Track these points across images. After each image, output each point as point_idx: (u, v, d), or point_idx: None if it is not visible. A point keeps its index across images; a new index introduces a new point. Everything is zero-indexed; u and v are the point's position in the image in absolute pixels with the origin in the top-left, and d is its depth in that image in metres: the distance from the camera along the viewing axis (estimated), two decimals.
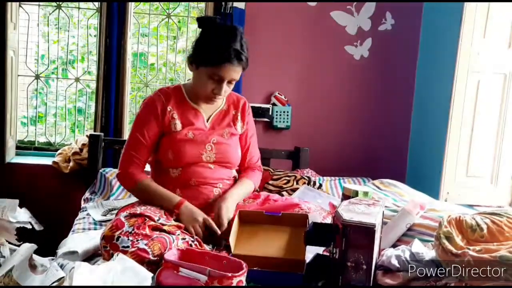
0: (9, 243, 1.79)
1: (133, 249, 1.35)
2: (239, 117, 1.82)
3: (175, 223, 1.54)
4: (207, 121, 1.77)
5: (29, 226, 2.12)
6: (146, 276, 1.22)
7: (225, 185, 1.74)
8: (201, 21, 1.69)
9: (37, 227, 2.34)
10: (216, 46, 1.60)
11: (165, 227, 1.47)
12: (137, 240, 1.38)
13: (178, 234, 1.48)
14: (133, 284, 1.18)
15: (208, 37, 1.63)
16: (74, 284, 1.11)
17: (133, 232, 1.40)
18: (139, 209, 1.52)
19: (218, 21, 1.69)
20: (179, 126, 1.71)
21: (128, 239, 1.37)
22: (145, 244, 1.37)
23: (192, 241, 1.50)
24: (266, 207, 1.68)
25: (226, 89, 1.66)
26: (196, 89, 1.70)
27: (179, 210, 1.59)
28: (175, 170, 1.69)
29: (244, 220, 1.56)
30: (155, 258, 1.36)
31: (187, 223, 1.56)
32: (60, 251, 1.57)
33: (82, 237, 1.69)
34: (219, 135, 1.75)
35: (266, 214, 1.57)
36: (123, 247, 1.36)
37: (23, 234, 2.01)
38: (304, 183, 2.33)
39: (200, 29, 1.69)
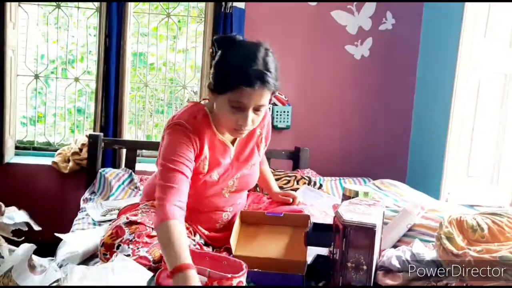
0: (8, 241, 1.79)
1: (134, 257, 1.33)
2: (263, 139, 1.66)
3: None
4: (232, 151, 1.58)
5: (25, 228, 2.11)
6: (142, 274, 1.21)
7: (235, 208, 1.65)
8: (218, 41, 1.45)
9: (35, 227, 2.34)
10: (233, 68, 1.37)
11: None
12: (138, 248, 1.35)
13: None
14: (128, 283, 1.18)
15: (226, 59, 1.41)
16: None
17: (133, 240, 1.37)
18: (140, 216, 1.48)
19: (237, 39, 1.45)
20: (206, 167, 1.51)
21: (129, 247, 1.35)
22: (146, 252, 1.35)
23: (194, 245, 1.49)
24: (268, 211, 1.66)
25: (254, 117, 1.40)
26: (221, 121, 1.47)
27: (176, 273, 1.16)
28: (189, 198, 1.50)
29: (245, 221, 1.56)
30: (156, 265, 1.34)
31: None
32: (60, 251, 1.57)
33: (82, 235, 1.68)
34: (243, 169, 1.60)
35: (268, 215, 1.56)
36: (124, 255, 1.33)
37: (19, 236, 2.00)
38: (305, 183, 2.33)
39: (219, 51, 1.44)
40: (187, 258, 1.17)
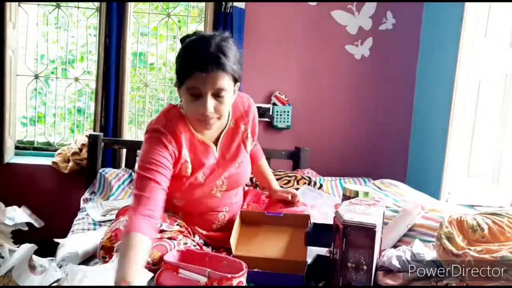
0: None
1: None
2: (249, 134, 1.60)
3: (177, 228, 1.50)
4: (216, 150, 1.54)
5: (25, 228, 2.11)
6: (142, 274, 1.21)
7: (231, 207, 1.62)
8: (181, 39, 1.45)
9: (37, 224, 2.34)
10: (187, 57, 1.37)
11: (166, 234, 1.43)
12: None
13: (180, 239, 1.45)
14: None
15: (182, 50, 1.41)
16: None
17: None
18: None
19: (196, 33, 1.44)
20: (190, 170, 1.48)
21: None
22: None
23: (194, 245, 1.48)
24: (268, 211, 1.66)
25: (215, 104, 1.37)
26: (187, 114, 1.45)
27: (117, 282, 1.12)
28: (179, 201, 1.54)
29: (245, 220, 1.56)
30: (155, 266, 1.32)
31: None
32: (60, 252, 1.57)
33: (82, 238, 1.69)
34: (230, 168, 1.55)
35: (268, 215, 1.56)
36: None
37: (20, 236, 2.00)
38: (305, 183, 2.32)
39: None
40: (131, 275, 1.12)
